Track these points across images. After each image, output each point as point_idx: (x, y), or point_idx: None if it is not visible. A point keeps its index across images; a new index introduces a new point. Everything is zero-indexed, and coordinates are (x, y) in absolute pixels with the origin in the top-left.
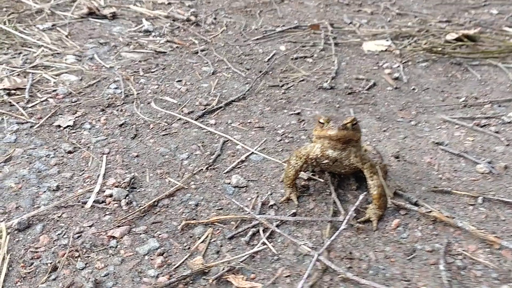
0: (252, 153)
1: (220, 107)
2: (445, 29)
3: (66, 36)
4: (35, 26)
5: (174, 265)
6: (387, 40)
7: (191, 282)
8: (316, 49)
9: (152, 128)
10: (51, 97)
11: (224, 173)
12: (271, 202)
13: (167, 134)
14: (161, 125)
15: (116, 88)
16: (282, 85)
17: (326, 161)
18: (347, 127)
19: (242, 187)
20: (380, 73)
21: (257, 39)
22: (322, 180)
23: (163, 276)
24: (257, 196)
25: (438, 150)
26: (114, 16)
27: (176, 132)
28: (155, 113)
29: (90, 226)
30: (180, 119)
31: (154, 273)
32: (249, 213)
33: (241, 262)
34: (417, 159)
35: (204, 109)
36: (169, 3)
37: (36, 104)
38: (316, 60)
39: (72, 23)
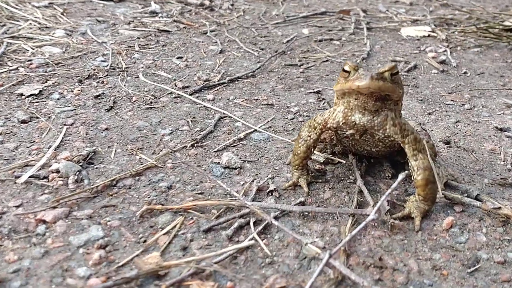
0: (255, 131)
1: (223, 83)
2: (500, 17)
3: (62, 14)
4: (30, 3)
5: (118, 263)
6: (430, 26)
7: (135, 287)
8: (345, 33)
9: (134, 101)
10: (22, 66)
11: (214, 151)
12: (271, 187)
13: (151, 108)
14: (146, 99)
15: (103, 61)
16: (301, 65)
17: (351, 131)
18: (384, 77)
19: (235, 168)
20: (422, 57)
21: (277, 23)
22: (343, 162)
23: (97, 277)
24: (253, 180)
25: (502, 136)
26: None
27: (163, 106)
28: (142, 86)
29: (17, 206)
30: (171, 93)
31: (86, 272)
32: (238, 199)
33: (215, 263)
34: (475, 146)
35: (203, 84)
36: None
37: (3, 72)
38: (344, 43)
39: (72, 3)
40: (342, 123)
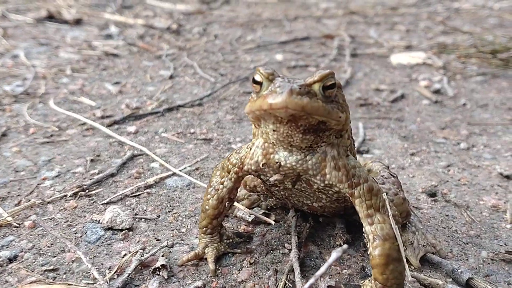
0: (173, 174)
1: (156, 113)
2: (507, 45)
3: (2, 35)
4: None
5: None
6: (426, 52)
7: None
8: (325, 59)
9: (31, 133)
10: None
11: (103, 203)
12: (161, 262)
13: (48, 142)
14: (47, 130)
15: (18, 86)
16: None
17: (276, 176)
18: (312, 92)
19: (120, 230)
20: (413, 86)
21: (249, 48)
22: (280, 222)
23: None
24: (141, 249)
25: (509, 187)
26: (78, 22)
27: (65, 140)
28: (51, 116)
29: None
30: (83, 123)
31: None
32: (97, 284)
33: None
34: (471, 200)
35: (130, 113)
36: (155, 16)
37: None
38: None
39: (21, 26)
40: (263, 165)
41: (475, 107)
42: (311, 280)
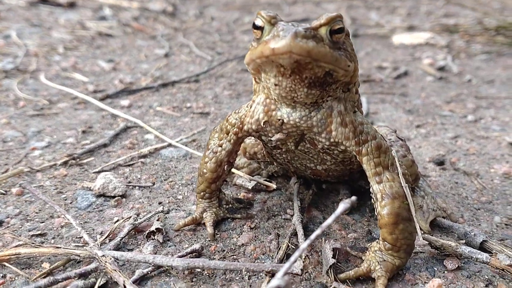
0: (169, 145)
1: (150, 88)
2: None
3: None
4: None
5: None
6: (428, 33)
7: None
8: None
9: (20, 106)
10: None
11: (95, 172)
12: (156, 226)
13: (38, 115)
14: (38, 104)
15: (9, 63)
16: None
17: (278, 135)
18: (319, 36)
19: (113, 197)
20: (416, 64)
21: (247, 30)
22: (282, 189)
23: None
24: (135, 214)
25: None
26: (72, 5)
27: (55, 113)
28: (42, 90)
29: None
30: (75, 98)
31: None
32: (87, 246)
33: None
34: (481, 168)
35: (123, 88)
36: None
37: None
38: None
39: (14, 9)
40: (264, 123)
41: (481, 83)
42: (318, 231)
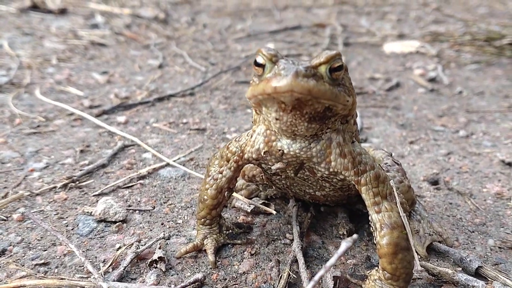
0: (167, 165)
1: (146, 102)
2: (502, 32)
3: None
4: None
5: None
6: (418, 41)
7: None
8: (317, 48)
9: (16, 124)
10: None
11: (94, 195)
12: (158, 255)
13: (35, 133)
14: (34, 121)
15: (3, 76)
16: None
17: (278, 165)
18: (319, 74)
19: (114, 222)
20: (407, 74)
21: (239, 38)
22: (280, 212)
23: None
24: (137, 242)
25: (511, 174)
26: (63, 12)
27: (52, 131)
28: (38, 106)
29: None
30: (71, 114)
31: None
32: (92, 277)
33: None
34: (474, 187)
35: (119, 103)
36: (142, 5)
37: None
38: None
39: (4, 16)
40: (265, 153)
41: (472, 94)
42: (321, 272)
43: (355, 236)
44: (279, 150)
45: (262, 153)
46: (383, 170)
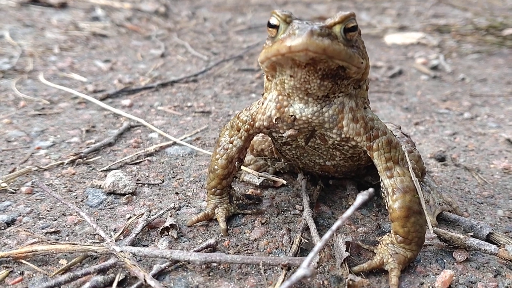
0: (174, 143)
1: (150, 87)
2: (503, 22)
3: None
4: None
5: None
6: (420, 32)
7: None
8: None
9: (21, 106)
10: None
11: (102, 170)
12: (170, 222)
13: (40, 114)
14: (38, 104)
15: (5, 63)
16: (259, 69)
17: (290, 132)
18: (333, 34)
19: (123, 194)
20: (409, 63)
21: (240, 30)
22: (289, 185)
23: None
24: (148, 211)
25: None
26: (63, 5)
27: (57, 113)
28: (41, 90)
29: None
30: (76, 97)
31: None
32: (104, 243)
33: None
34: (481, 163)
35: (124, 88)
36: None
37: None
38: None
39: (4, 9)
40: (276, 119)
41: (474, 81)
42: (338, 222)
43: (371, 189)
44: (291, 115)
45: (274, 120)
46: (395, 136)
